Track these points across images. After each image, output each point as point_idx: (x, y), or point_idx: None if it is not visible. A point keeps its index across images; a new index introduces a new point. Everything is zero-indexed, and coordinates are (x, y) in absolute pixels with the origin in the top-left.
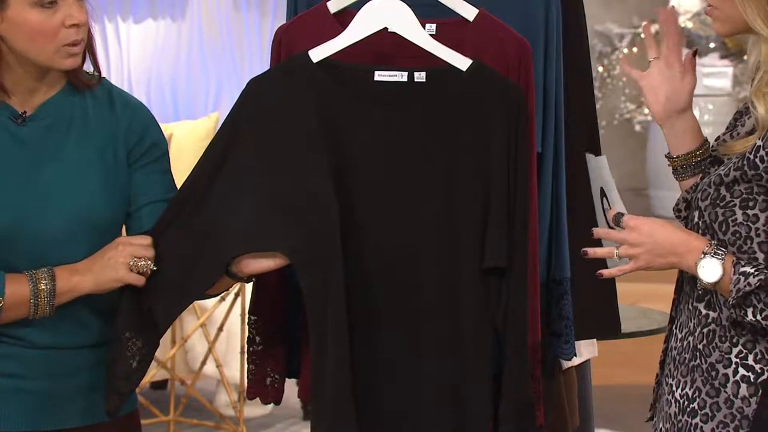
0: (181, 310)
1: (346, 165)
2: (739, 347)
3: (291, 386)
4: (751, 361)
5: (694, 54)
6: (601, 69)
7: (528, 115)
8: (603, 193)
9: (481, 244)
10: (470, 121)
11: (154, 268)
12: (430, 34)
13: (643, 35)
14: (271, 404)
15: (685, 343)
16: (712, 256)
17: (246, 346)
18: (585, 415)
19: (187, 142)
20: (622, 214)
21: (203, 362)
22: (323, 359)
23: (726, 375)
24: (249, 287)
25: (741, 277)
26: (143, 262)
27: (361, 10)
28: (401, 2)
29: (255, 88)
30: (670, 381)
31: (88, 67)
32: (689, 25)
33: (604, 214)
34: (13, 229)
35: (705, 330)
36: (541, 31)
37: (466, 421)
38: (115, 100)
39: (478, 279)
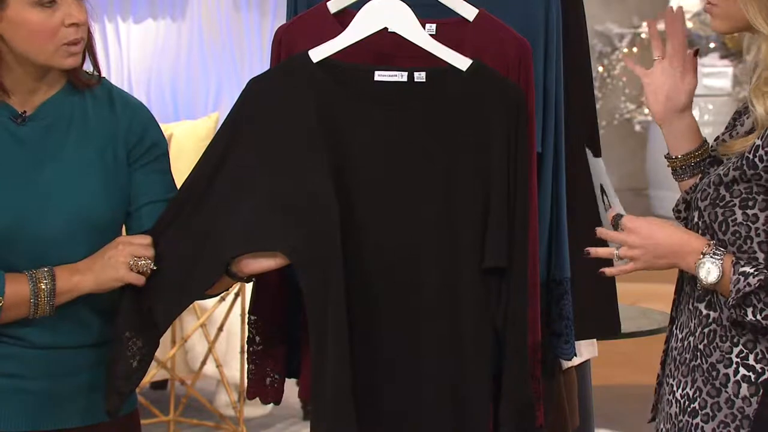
0: (181, 310)
1: (346, 165)
2: (740, 347)
3: (291, 386)
4: (751, 361)
5: (695, 54)
6: (601, 69)
7: (528, 115)
8: (603, 191)
9: (481, 244)
10: (470, 121)
11: (154, 268)
12: (430, 34)
13: (646, 34)
14: (271, 404)
15: (685, 343)
16: (711, 257)
17: (246, 346)
18: (585, 415)
19: (187, 142)
20: (621, 216)
21: (203, 362)
22: (323, 359)
23: (727, 375)
24: (249, 287)
25: (741, 277)
26: (143, 262)
27: (361, 10)
28: (401, 2)
29: (255, 88)
30: (671, 381)
31: (88, 66)
32: (689, 25)
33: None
34: (13, 229)
35: (706, 330)
36: (541, 31)
37: (466, 421)
38: (115, 99)
39: (478, 279)
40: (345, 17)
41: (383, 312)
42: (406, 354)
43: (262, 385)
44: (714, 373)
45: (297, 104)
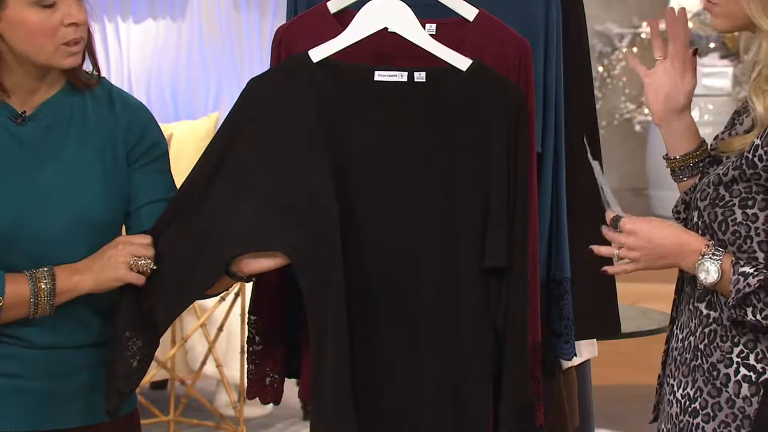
0: (181, 309)
1: (346, 165)
2: (741, 347)
3: (291, 386)
4: (752, 361)
5: (695, 53)
6: (601, 69)
7: (528, 115)
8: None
9: (481, 244)
10: (470, 121)
11: (154, 267)
12: (430, 34)
13: (646, 34)
14: (271, 404)
15: (686, 343)
16: (711, 257)
17: (246, 346)
18: (585, 415)
19: (187, 142)
20: (620, 217)
21: (203, 362)
22: (323, 359)
23: (727, 375)
24: (249, 287)
25: (740, 277)
26: (143, 261)
27: (361, 10)
28: (401, 2)
29: (255, 88)
30: (671, 381)
31: (88, 66)
32: (689, 24)
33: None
34: (12, 229)
35: (706, 330)
36: (541, 31)
37: (466, 421)
38: (115, 99)
39: (478, 279)
40: (345, 17)
41: (383, 312)
42: (406, 354)
43: (261, 385)
44: (715, 373)
45: (297, 104)
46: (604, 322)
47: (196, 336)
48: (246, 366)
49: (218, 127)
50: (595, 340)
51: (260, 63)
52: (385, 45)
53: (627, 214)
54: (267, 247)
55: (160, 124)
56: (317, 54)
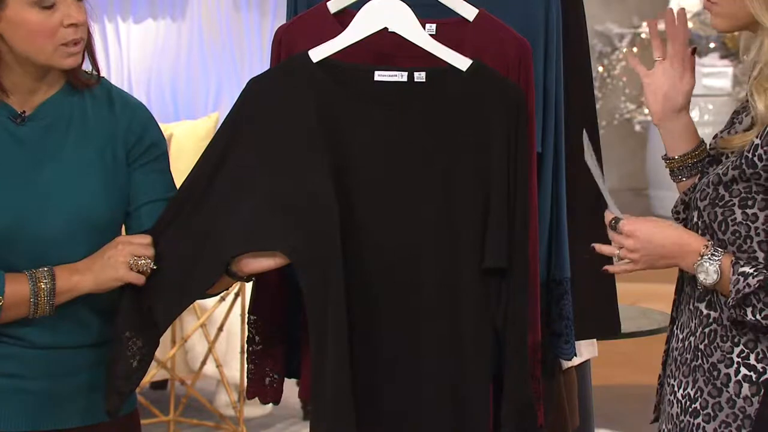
0: (181, 309)
1: (346, 165)
2: (741, 347)
3: (291, 386)
4: (752, 361)
5: (693, 52)
6: (601, 69)
7: (528, 115)
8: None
9: (481, 244)
10: (470, 121)
11: (154, 267)
12: (430, 34)
13: (646, 34)
14: (271, 404)
15: (686, 343)
16: (710, 258)
17: (246, 346)
18: (585, 415)
19: (187, 142)
20: (619, 219)
21: (203, 362)
22: (323, 359)
23: (728, 375)
24: (249, 287)
25: (740, 277)
26: (143, 261)
27: (361, 10)
28: (401, 2)
29: (255, 88)
30: (672, 381)
31: (87, 66)
32: (689, 25)
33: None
34: (12, 229)
35: (706, 330)
36: (541, 31)
37: (466, 421)
38: (115, 99)
39: (478, 279)
40: (345, 17)
41: (383, 312)
42: (406, 354)
43: (261, 384)
44: (715, 373)
45: (297, 104)
46: (604, 322)
47: (196, 336)
48: (246, 366)
49: (218, 127)
50: (595, 340)
51: (260, 63)
52: (385, 45)
53: (626, 215)
54: (267, 247)
55: (160, 124)
56: (317, 54)
